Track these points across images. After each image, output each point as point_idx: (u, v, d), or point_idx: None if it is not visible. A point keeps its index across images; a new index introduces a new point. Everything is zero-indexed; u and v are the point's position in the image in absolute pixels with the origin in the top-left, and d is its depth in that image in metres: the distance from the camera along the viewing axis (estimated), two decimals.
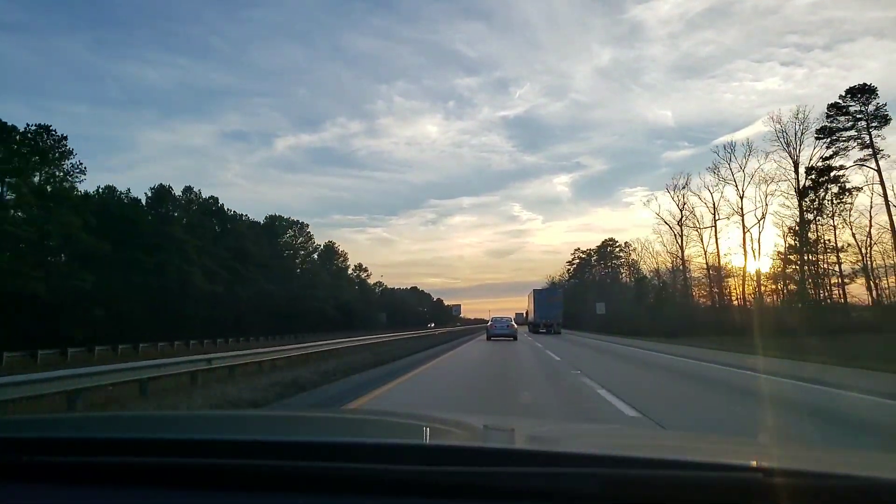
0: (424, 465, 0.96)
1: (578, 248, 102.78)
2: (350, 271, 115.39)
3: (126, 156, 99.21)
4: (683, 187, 51.52)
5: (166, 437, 1.24)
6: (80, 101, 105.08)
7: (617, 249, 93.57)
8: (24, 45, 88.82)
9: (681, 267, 55.25)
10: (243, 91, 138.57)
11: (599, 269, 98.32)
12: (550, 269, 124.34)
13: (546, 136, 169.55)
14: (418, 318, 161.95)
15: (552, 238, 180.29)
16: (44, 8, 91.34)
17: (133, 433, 1.36)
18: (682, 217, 52.15)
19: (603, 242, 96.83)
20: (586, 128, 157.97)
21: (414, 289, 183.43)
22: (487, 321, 37.40)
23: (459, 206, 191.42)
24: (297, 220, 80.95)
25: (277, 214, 76.60)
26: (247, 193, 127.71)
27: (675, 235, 53.37)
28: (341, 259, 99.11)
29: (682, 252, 53.14)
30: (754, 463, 1.03)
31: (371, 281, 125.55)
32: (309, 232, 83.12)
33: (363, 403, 8.14)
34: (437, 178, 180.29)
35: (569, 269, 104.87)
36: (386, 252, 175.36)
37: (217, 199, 59.69)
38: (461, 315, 62.76)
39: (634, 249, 79.94)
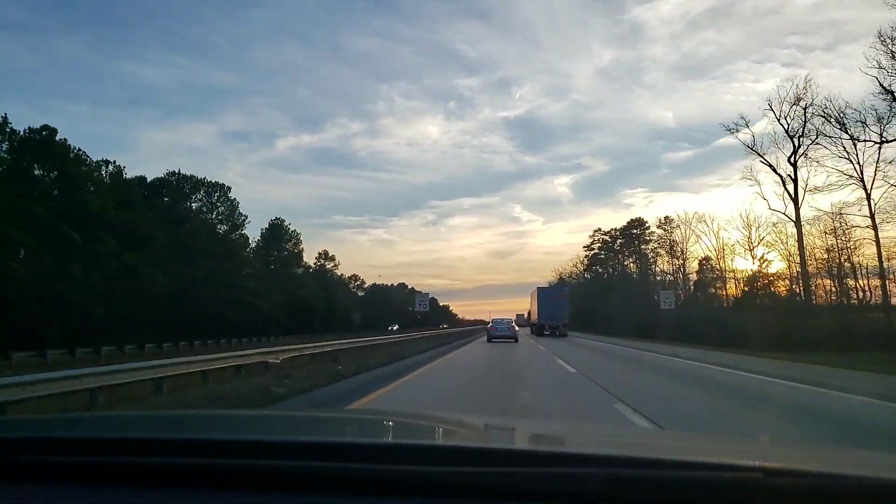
0: (426, 465, 0.96)
1: (599, 229, 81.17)
2: (312, 260, 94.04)
3: (127, 155, 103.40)
4: (796, 102, 29.92)
5: (166, 436, 1.24)
6: (80, 100, 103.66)
7: (647, 232, 72.19)
8: (24, 44, 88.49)
9: (792, 244, 33.54)
10: (244, 90, 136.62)
11: (623, 258, 76.98)
12: (551, 270, 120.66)
13: (547, 137, 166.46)
14: (408, 318, 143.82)
15: (553, 239, 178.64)
16: (43, 7, 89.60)
17: (133, 433, 1.34)
18: (797, 147, 30.45)
19: (629, 223, 75.55)
20: (587, 128, 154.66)
21: (401, 285, 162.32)
22: (488, 322, 36.68)
23: (460, 207, 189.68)
24: (216, 182, 59.41)
25: (180, 172, 55.11)
26: (248, 193, 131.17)
27: (782, 182, 31.61)
28: (292, 242, 77.56)
29: (796, 206, 31.35)
30: (755, 463, 1.01)
31: (341, 272, 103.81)
32: (234, 199, 61.47)
33: (365, 403, 8.07)
34: (437, 179, 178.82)
35: (587, 257, 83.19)
36: (386, 253, 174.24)
37: (54, 130, 38.37)
38: (427, 307, 47.51)
39: (678, 226, 58.74)
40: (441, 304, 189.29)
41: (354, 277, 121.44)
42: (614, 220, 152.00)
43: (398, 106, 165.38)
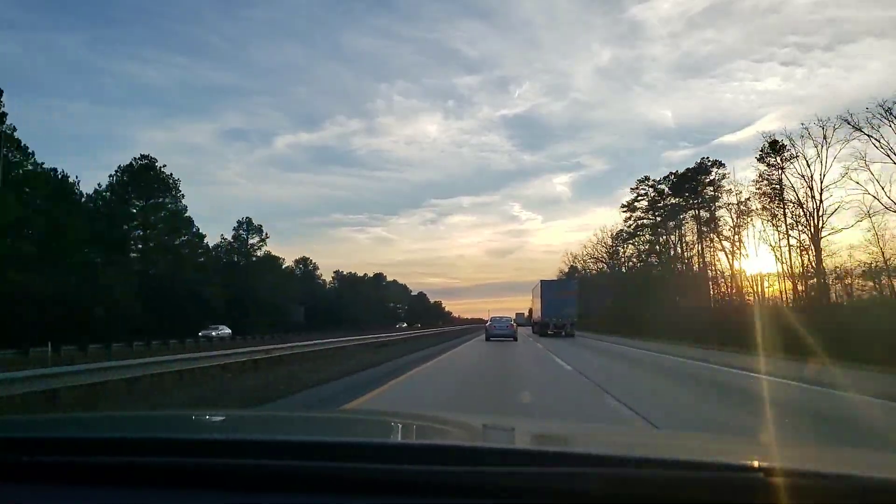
0: (424, 465, 0.96)
1: (647, 178, 54.34)
2: (228, 233, 67.76)
3: (125, 154, 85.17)
4: None
5: (166, 436, 1.25)
6: (78, 99, 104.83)
7: (713, 186, 45.68)
8: (22, 43, 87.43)
9: None
10: (243, 90, 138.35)
11: (678, 225, 50.28)
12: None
13: (546, 136, 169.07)
14: (389, 317, 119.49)
15: (552, 238, 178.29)
16: (42, 5, 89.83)
17: (133, 433, 1.35)
18: None
19: (686, 172, 48.75)
20: (586, 127, 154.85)
21: (378, 276, 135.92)
22: (486, 321, 36.45)
23: (459, 206, 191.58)
24: None
25: None
26: (247, 192, 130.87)
27: None
28: (171, 196, 50.96)
29: None
30: (755, 463, 1.00)
31: (279, 256, 77.17)
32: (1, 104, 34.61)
33: (361, 403, 7.94)
34: (436, 178, 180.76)
35: (627, 226, 56.18)
36: (386, 251, 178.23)
37: None
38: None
39: (796, 157, 32.46)
40: (433, 300, 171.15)
41: (304, 261, 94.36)
42: (613, 218, 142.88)
43: (397, 105, 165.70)
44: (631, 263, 61.20)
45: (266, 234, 69.02)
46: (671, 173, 50.39)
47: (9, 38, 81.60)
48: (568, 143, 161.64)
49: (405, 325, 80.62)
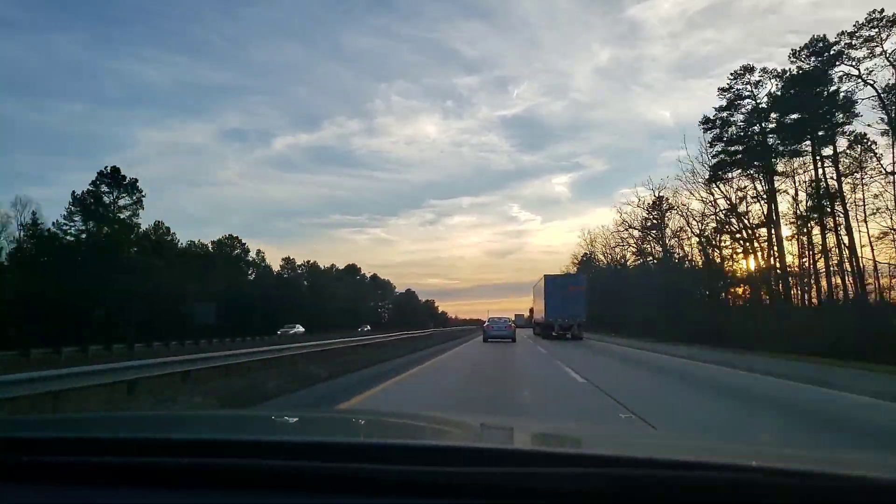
0: (423, 465, 0.97)
1: (751, 67, 32.51)
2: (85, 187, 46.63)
3: (124, 154, 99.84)
4: None
5: (166, 436, 1.26)
6: (76, 99, 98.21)
7: None
8: (21, 42, 78.15)
9: None
10: (242, 89, 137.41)
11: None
12: (551, 269, 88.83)
13: (545, 136, 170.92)
14: (372, 317, 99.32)
15: (551, 238, 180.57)
16: (40, 4, 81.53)
17: (133, 433, 1.36)
18: None
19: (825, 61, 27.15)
20: (585, 127, 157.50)
21: (350, 268, 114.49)
22: (485, 322, 35.62)
23: (458, 207, 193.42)
24: None
25: None
26: (246, 192, 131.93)
27: None
28: None
29: None
30: (755, 463, 1.03)
31: (162, 229, 55.81)
32: None
33: (359, 402, 8.06)
34: (436, 178, 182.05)
35: (712, 154, 34.60)
36: (385, 252, 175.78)
37: None
38: None
39: None
40: (430, 300, 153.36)
41: (233, 242, 72.77)
42: (612, 219, 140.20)
43: (396, 105, 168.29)
44: (677, 239, 41.40)
45: (143, 192, 47.20)
46: (804, 46, 28.40)
47: (6, 36, 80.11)
48: (567, 143, 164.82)
49: (300, 329, 56.49)
